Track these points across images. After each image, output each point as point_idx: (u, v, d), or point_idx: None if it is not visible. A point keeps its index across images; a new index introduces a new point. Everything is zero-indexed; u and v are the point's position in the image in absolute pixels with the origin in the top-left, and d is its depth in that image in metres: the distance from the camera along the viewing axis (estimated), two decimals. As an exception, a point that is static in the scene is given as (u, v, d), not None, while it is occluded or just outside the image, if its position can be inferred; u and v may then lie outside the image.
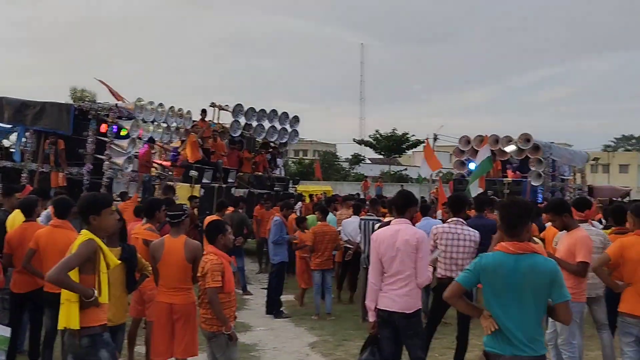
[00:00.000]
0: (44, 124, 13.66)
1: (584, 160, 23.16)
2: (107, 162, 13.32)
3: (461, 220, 6.45)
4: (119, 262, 4.65)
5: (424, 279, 5.06)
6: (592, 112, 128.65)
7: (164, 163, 16.12)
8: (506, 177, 18.98)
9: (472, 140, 19.44)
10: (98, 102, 15.89)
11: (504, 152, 19.31)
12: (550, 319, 5.94)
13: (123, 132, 13.86)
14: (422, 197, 17.97)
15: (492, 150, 19.38)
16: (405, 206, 5.26)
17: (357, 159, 50.71)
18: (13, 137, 14.65)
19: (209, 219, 8.76)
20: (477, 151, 17.52)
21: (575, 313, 5.57)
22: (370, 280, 5.17)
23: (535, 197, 17.85)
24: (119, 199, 12.03)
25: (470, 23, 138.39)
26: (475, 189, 13.40)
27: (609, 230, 6.78)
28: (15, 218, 6.65)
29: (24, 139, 13.91)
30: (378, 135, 45.77)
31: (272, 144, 19.31)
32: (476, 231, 6.41)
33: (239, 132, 17.77)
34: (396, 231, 5.11)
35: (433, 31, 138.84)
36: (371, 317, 5.15)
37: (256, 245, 14.57)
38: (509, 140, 19.27)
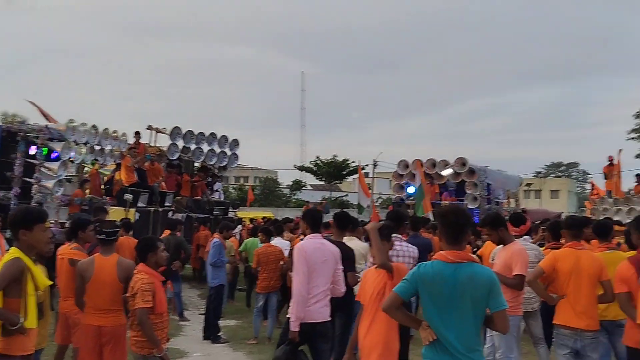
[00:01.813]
0: (-32, 147, 12.96)
1: (518, 184, 23.90)
2: (35, 186, 12.72)
3: (399, 236, 6.44)
4: (50, 282, 4.35)
5: (343, 289, 5.40)
6: (524, 140, 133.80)
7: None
8: (442, 201, 19.33)
9: (410, 164, 19.75)
10: (27, 123, 15.25)
11: (441, 175, 19.71)
12: (488, 334, 5.98)
13: (45, 152, 13.21)
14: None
15: (429, 174, 19.83)
16: (316, 224, 5.61)
17: (298, 185, 50.72)
18: None
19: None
20: (414, 175, 17.86)
21: (513, 327, 5.61)
22: (300, 291, 5.06)
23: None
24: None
25: (409, 55, 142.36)
26: (421, 214, 13.61)
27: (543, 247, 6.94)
28: None
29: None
30: (319, 162, 46.02)
31: (211, 168, 19.02)
32: (415, 247, 6.41)
33: (176, 155, 17.41)
34: (322, 244, 5.28)
35: (373, 61, 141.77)
36: (297, 327, 5.03)
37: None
38: (445, 164, 19.68)
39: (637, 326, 4.56)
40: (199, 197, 17.58)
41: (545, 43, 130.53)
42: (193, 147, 17.75)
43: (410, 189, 18.99)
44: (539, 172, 75.78)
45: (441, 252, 3.59)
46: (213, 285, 9.61)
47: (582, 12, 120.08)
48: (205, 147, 18.17)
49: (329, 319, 5.28)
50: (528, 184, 49.92)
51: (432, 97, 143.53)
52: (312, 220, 5.64)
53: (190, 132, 17.68)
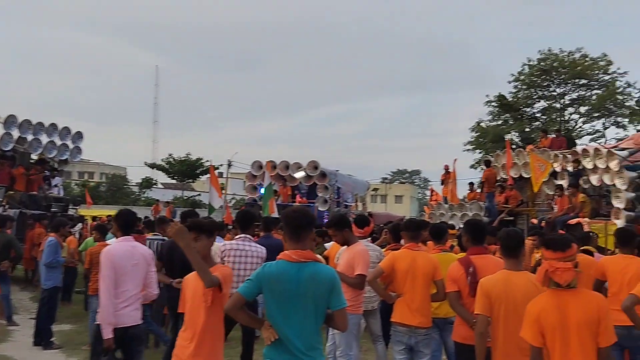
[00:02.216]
0: None
1: (365, 188, 24.98)
2: None
3: (249, 236, 6.40)
4: None
5: (156, 292, 5.28)
6: (373, 147, 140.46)
7: None
8: (295, 202, 19.65)
9: (264, 165, 19.84)
10: None
11: (294, 178, 20.04)
12: (329, 333, 6.13)
13: None
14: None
15: (282, 176, 20.07)
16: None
17: (148, 183, 48.82)
18: None
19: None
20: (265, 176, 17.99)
21: (353, 325, 5.80)
22: (107, 297, 4.82)
23: (322, 222, 18.70)
24: None
25: (269, 57, 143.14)
26: (267, 214, 13.72)
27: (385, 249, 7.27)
28: None
29: None
30: (171, 160, 44.67)
31: (49, 161, 17.65)
32: (263, 248, 6.41)
33: (10, 146, 15.93)
34: (133, 247, 5.08)
35: (232, 61, 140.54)
36: (110, 334, 4.80)
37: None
38: (298, 167, 20.05)
39: (463, 323, 4.91)
40: (34, 192, 16.23)
41: (396, 56, 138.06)
42: (30, 137, 16.39)
43: (263, 190, 19.08)
44: (385, 178, 79.93)
45: (285, 251, 3.60)
46: (46, 287, 8.91)
47: (430, 29, 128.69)
48: (45, 139, 16.86)
49: (141, 322, 5.09)
50: (375, 189, 52.55)
51: (289, 100, 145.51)
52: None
53: (27, 121, 16.30)
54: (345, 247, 6.07)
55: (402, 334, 5.43)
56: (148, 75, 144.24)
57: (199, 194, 48.64)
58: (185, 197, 46.71)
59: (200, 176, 47.46)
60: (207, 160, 44.67)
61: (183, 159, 44.43)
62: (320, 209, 19.08)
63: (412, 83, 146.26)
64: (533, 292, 3.92)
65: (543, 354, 3.63)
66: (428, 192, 29.44)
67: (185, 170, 44.50)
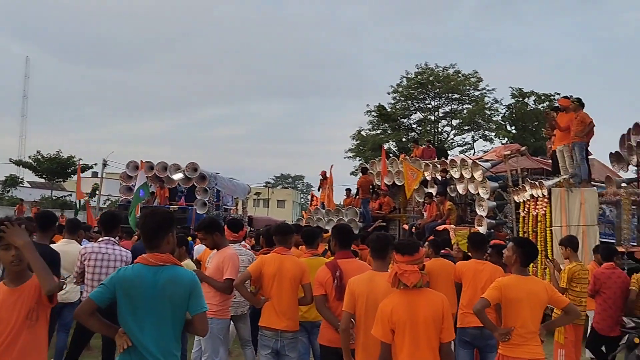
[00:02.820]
0: None
1: (246, 192, 24.82)
2: None
3: (113, 239, 6.12)
4: None
5: None
6: (258, 151, 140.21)
7: None
8: (174, 204, 19.13)
9: (139, 166, 19.12)
10: None
11: (172, 179, 19.50)
12: (196, 337, 6.00)
13: None
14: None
15: (160, 177, 19.45)
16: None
17: (13, 181, 45.38)
18: None
19: None
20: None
21: (219, 330, 5.72)
22: None
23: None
24: None
25: (152, 53, 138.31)
26: (135, 219, 13.19)
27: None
28: None
29: None
30: (40, 157, 41.86)
31: None
32: (128, 251, 6.15)
33: None
34: None
35: (114, 56, 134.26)
36: None
37: None
38: (177, 169, 19.53)
39: (329, 326, 4.99)
40: None
41: (281, 61, 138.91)
42: None
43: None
44: (269, 183, 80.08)
45: (143, 255, 3.47)
46: None
47: (315, 37, 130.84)
48: None
49: None
50: (257, 193, 52.43)
51: (171, 100, 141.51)
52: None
53: None
54: (216, 250, 5.97)
55: (268, 338, 5.41)
56: (17, 66, 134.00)
57: (70, 194, 45.97)
58: (55, 197, 43.95)
59: (72, 175, 44.94)
60: (81, 159, 42.46)
61: (53, 156, 41.80)
62: (198, 211, 18.70)
63: (297, 89, 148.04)
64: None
65: (391, 351, 3.89)
66: (310, 198, 29.92)
67: (56, 168, 41.88)
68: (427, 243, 7.79)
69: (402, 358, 3.88)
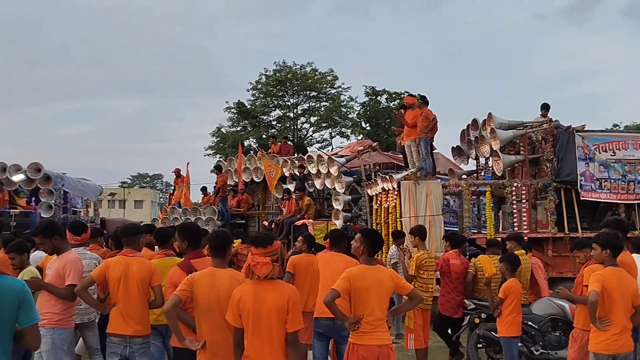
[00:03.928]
0: None
1: (98, 192, 23.44)
2: None
3: None
4: None
5: None
6: (113, 150, 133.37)
7: None
8: (15, 207, 17.65)
9: (-27, 167, 17.39)
10: None
11: (12, 181, 17.95)
12: (37, 351, 5.55)
13: None
14: None
15: (-3, 179, 17.82)
16: None
17: None
18: None
19: None
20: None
21: (62, 340, 5.33)
22: None
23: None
24: None
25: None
26: None
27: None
28: None
29: None
30: None
31: None
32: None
33: None
34: None
35: None
36: None
37: None
38: (18, 169, 18.00)
39: (184, 328, 4.83)
40: None
41: (134, 57, 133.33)
42: None
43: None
44: (125, 182, 76.62)
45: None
46: None
47: (170, 33, 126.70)
48: None
49: None
50: (112, 194, 49.96)
51: (13, 95, 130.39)
52: None
53: None
54: (56, 256, 5.55)
55: (115, 344, 5.15)
56: None
57: None
58: None
59: None
60: None
61: None
62: (43, 215, 17.34)
63: (151, 85, 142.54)
64: (235, 287, 4.26)
65: (243, 335, 4.08)
66: (169, 197, 28.98)
67: None
68: (300, 238, 7.86)
69: (246, 344, 4.10)
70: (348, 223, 14.15)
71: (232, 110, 38.73)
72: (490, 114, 11.87)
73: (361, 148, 15.57)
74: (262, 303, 4.04)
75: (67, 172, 20.19)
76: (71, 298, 5.33)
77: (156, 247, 6.88)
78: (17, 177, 17.73)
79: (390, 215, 11.79)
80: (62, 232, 5.61)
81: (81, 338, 6.43)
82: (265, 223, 16.10)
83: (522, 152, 11.75)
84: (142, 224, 8.42)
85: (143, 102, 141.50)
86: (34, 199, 18.49)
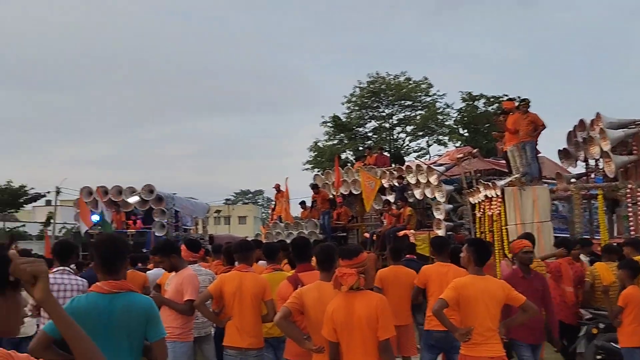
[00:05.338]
0: None
1: (205, 210, 24.59)
2: None
3: (68, 269, 5.97)
4: None
5: None
6: (214, 168, 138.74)
7: None
8: (131, 228, 18.82)
9: (94, 191, 18.77)
10: None
11: (128, 203, 19.18)
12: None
13: None
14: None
15: (115, 202, 19.12)
16: None
17: (-38, 215, 43.87)
18: None
19: None
20: (97, 202, 17.13)
21: (182, 353, 5.63)
22: None
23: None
24: None
25: (94, 73, 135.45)
26: None
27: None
28: None
29: None
30: (-10, 188, 40.66)
31: None
32: (84, 280, 6.01)
33: None
34: None
35: (52, 79, 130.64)
36: None
37: None
38: (132, 192, 19.24)
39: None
40: None
41: (233, 78, 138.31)
42: None
43: (95, 217, 18.03)
44: (228, 199, 79.49)
45: (97, 283, 3.41)
46: None
47: (255, 52, 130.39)
48: None
49: None
50: (217, 211, 51.95)
51: (119, 121, 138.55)
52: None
53: None
54: (174, 273, 5.89)
55: (232, 357, 5.38)
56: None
57: (24, 225, 44.67)
58: (8, 229, 42.62)
59: (25, 205, 43.75)
60: (32, 188, 41.32)
61: (4, 187, 40.63)
62: (157, 233, 18.43)
63: (249, 104, 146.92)
64: None
65: (338, 349, 4.16)
66: (270, 212, 29.79)
67: (7, 199, 40.70)
68: (387, 250, 7.91)
69: (342, 356, 4.17)
70: (450, 232, 13.91)
71: (328, 124, 39.26)
72: (598, 113, 11.30)
73: (461, 155, 15.28)
74: (352, 314, 4.10)
75: (175, 192, 21.31)
76: (190, 313, 5.63)
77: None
78: (133, 199, 18.96)
79: (494, 223, 11.48)
80: (178, 251, 5.96)
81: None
82: (367, 235, 16.13)
83: (634, 152, 11.07)
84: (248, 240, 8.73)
85: (236, 121, 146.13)
86: (139, 217, 19.55)
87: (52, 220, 37.19)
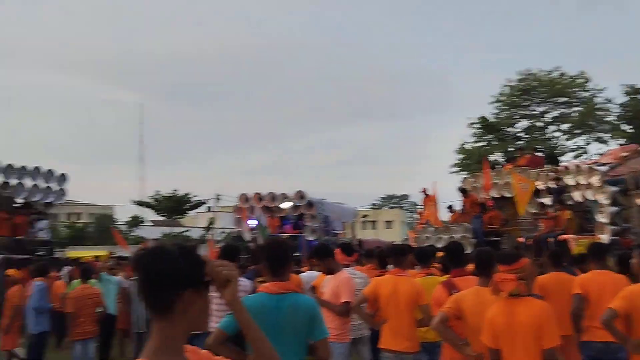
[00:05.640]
0: None
1: (353, 215, 25.01)
2: None
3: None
4: None
5: None
6: (359, 174, 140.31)
7: None
8: (284, 233, 19.65)
9: (250, 197, 19.88)
10: None
11: (281, 208, 20.07)
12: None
13: None
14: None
15: (270, 207, 20.10)
16: None
17: (136, 221, 48.54)
18: None
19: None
20: (253, 208, 18.13)
21: (340, 354, 5.80)
22: None
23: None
24: None
25: (246, 88, 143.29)
26: None
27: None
28: None
29: None
30: (159, 196, 44.55)
31: (34, 205, 17.58)
32: (249, 281, 6.42)
33: (-7, 192, 15.92)
34: None
35: (210, 93, 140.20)
36: None
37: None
38: (285, 198, 20.11)
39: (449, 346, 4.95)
40: (21, 237, 16.12)
41: (371, 83, 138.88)
42: (14, 182, 16.35)
43: (252, 222, 19.10)
44: (375, 204, 79.98)
45: (265, 284, 3.65)
46: (35, 332, 8.83)
47: (403, 57, 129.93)
48: (28, 182, 16.82)
49: None
50: (364, 216, 52.46)
51: (271, 131, 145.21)
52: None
53: (10, 165, 16.28)
54: (330, 276, 6.10)
55: (389, 359, 5.44)
56: (132, 113, 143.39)
57: (188, 230, 48.36)
58: (174, 234, 46.45)
59: (189, 211, 47.34)
60: (195, 195, 44.61)
61: (170, 195, 44.33)
62: (308, 238, 19.07)
63: (391, 109, 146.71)
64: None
65: (499, 356, 4.07)
66: (417, 217, 29.46)
67: (173, 206, 44.36)
68: (546, 256, 7.52)
69: None
70: (616, 237, 12.89)
71: (475, 125, 38.10)
72: None
73: (626, 153, 14.12)
74: (513, 321, 4.01)
75: (325, 197, 21.92)
76: (346, 314, 5.80)
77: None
78: (286, 205, 19.81)
79: (669, 226, 10.47)
80: (333, 254, 6.17)
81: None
82: (521, 239, 15.42)
83: None
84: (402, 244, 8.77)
85: (383, 127, 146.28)
86: (289, 222, 20.27)
87: (212, 225, 39.87)
